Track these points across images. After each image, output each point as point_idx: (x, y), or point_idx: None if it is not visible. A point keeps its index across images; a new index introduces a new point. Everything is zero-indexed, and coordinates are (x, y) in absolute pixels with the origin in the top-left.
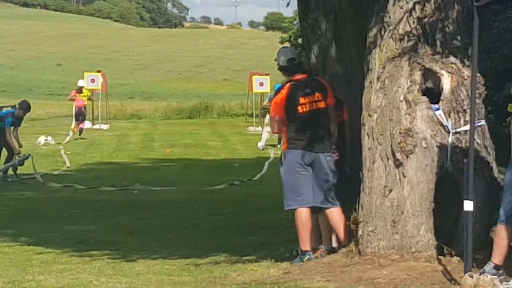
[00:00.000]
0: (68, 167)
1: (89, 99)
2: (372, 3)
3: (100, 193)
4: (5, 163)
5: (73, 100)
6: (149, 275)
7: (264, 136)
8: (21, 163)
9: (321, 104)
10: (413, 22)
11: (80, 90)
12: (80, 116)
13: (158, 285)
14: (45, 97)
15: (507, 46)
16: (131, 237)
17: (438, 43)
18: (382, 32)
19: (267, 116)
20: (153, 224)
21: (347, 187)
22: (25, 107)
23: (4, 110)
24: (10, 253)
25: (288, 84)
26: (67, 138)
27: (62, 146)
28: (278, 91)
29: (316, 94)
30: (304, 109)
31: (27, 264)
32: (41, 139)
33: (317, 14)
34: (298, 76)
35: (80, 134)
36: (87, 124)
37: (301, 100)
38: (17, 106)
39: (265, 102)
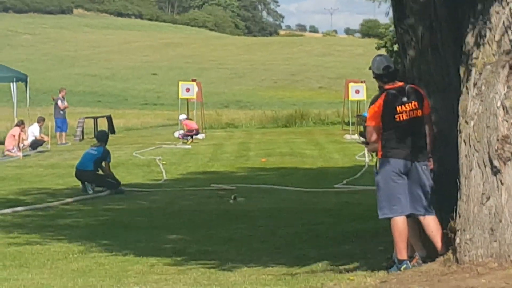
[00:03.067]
0: (164, 180)
1: None
2: (468, 9)
3: (196, 204)
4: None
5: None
6: (244, 285)
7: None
8: (105, 192)
9: (418, 113)
10: (510, 28)
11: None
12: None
13: None
14: (140, 107)
15: None
16: (227, 247)
17: None
18: (480, 37)
19: None
20: (249, 233)
21: (443, 194)
22: (101, 134)
23: (94, 148)
24: (106, 264)
25: (384, 93)
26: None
27: (160, 157)
28: (374, 100)
29: (413, 102)
30: (401, 118)
31: (122, 275)
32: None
33: (412, 21)
34: (394, 84)
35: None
36: (177, 134)
37: (398, 108)
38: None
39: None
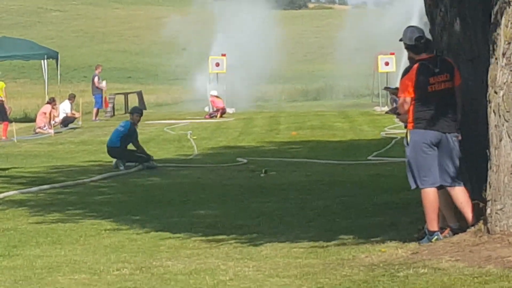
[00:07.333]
0: (196, 154)
1: None
2: None
3: (227, 178)
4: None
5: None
6: (276, 259)
7: None
8: (137, 167)
9: (449, 84)
10: None
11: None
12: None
13: (286, 268)
14: (170, 82)
15: None
16: (258, 221)
17: None
18: (507, 8)
19: None
20: (280, 207)
21: (473, 165)
22: (139, 110)
23: (122, 124)
24: (138, 240)
25: (417, 64)
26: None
27: (191, 131)
28: (407, 70)
29: (445, 74)
30: (434, 89)
31: (155, 250)
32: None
33: None
34: (426, 55)
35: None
36: (207, 108)
37: (431, 80)
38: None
39: None
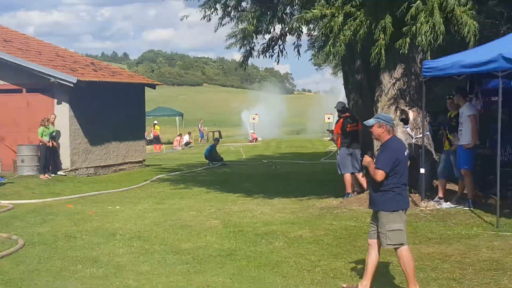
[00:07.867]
0: (244, 159)
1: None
2: (376, 80)
3: (257, 169)
4: (214, 159)
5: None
6: (279, 205)
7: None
8: (218, 164)
9: (356, 128)
10: (395, 89)
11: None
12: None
13: (283, 209)
14: (233, 126)
15: (441, 100)
16: (271, 188)
17: (407, 97)
18: (381, 93)
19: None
20: (281, 183)
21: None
22: (217, 139)
23: (208, 147)
24: (218, 196)
25: (342, 119)
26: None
27: (242, 148)
28: (337, 121)
29: (354, 123)
30: (349, 130)
31: (225, 201)
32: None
33: (351, 86)
34: (347, 114)
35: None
36: (249, 138)
37: (349, 126)
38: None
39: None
